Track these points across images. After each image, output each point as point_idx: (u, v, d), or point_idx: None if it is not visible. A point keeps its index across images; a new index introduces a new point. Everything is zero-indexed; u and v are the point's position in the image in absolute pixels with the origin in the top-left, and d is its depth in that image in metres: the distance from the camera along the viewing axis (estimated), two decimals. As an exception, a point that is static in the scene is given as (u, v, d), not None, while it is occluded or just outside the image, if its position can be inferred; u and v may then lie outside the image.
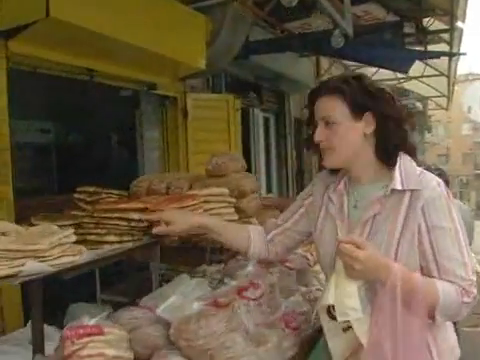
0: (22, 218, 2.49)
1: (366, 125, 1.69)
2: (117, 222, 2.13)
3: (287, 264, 2.43)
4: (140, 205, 2.20)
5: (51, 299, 3.27)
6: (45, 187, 7.44)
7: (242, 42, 5.48)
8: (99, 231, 2.11)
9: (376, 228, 1.67)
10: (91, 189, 2.62)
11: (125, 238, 2.13)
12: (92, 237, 2.11)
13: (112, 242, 2.10)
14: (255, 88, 7.61)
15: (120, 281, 3.28)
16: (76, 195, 2.65)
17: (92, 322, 1.70)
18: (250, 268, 2.17)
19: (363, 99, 1.68)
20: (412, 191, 1.63)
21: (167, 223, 1.97)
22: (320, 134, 1.73)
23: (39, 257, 1.75)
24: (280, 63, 7.03)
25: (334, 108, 1.70)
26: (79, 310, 2.62)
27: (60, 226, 2.23)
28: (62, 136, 8.08)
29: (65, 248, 1.85)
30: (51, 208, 2.64)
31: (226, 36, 5.10)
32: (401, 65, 6.87)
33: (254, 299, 1.98)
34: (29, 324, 1.99)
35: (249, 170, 7.71)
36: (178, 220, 1.97)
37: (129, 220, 2.14)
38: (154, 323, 1.91)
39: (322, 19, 6.11)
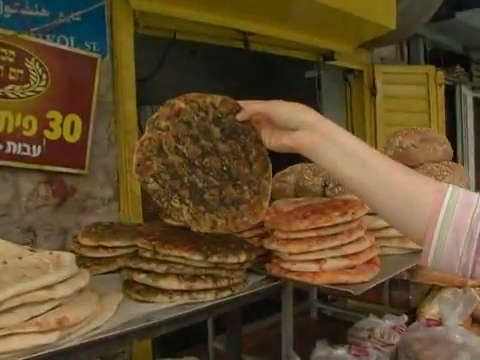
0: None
1: None
2: (185, 254, 1.04)
3: None
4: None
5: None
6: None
7: (445, -7, 3.99)
8: (153, 267, 1.06)
9: None
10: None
11: (199, 285, 1.04)
12: (141, 277, 1.06)
13: (171, 293, 1.03)
14: (462, 60, 5.93)
15: (262, 316, 2.19)
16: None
17: None
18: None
19: None
20: None
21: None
22: None
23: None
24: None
25: None
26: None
27: (110, 248, 1.26)
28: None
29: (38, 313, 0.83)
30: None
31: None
32: None
33: None
34: None
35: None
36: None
37: (204, 253, 1.05)
38: None
39: None
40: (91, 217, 2.51)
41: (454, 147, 6.16)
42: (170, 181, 0.96)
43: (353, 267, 1.14)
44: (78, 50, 2.40)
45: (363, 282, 1.12)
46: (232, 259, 1.06)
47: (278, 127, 0.94)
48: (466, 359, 1.27)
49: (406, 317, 1.76)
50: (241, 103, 1.00)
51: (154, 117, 0.99)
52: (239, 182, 0.99)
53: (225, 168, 0.99)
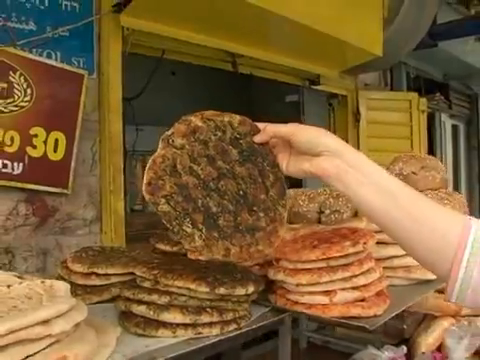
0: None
1: None
2: (191, 285, 0.97)
3: None
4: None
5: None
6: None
7: (430, 22, 4.05)
8: (155, 298, 0.98)
9: None
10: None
11: (205, 318, 0.97)
12: (141, 309, 0.99)
13: (174, 327, 0.95)
14: (441, 88, 6.02)
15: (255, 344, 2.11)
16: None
17: None
18: None
19: None
20: None
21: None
22: None
23: None
24: (474, 54, 5.38)
25: None
26: None
27: (104, 276, 1.18)
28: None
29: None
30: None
31: (409, 13, 3.74)
32: None
33: None
34: None
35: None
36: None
37: (211, 284, 0.98)
38: None
39: None
40: (72, 238, 2.42)
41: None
42: (183, 203, 0.89)
43: (363, 299, 1.08)
44: (64, 66, 2.31)
45: (376, 315, 1.06)
46: (240, 291, 0.99)
47: (296, 152, 0.89)
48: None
49: (405, 348, 1.71)
50: (260, 125, 0.95)
51: (169, 134, 0.92)
52: (255, 208, 0.93)
53: (241, 192, 0.93)
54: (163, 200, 0.88)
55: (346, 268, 1.07)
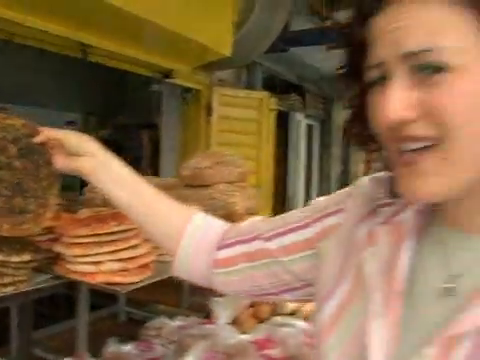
0: None
1: None
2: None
3: (267, 351, 1.44)
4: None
5: None
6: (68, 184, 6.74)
7: (280, 28, 4.48)
8: None
9: None
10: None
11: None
12: None
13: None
14: (298, 90, 6.58)
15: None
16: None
17: None
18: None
19: None
20: None
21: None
22: (402, 101, 0.58)
23: None
24: (326, 62, 5.97)
25: (446, 28, 0.56)
26: None
27: None
28: (90, 130, 7.32)
29: None
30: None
31: (260, 17, 4.13)
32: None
33: None
34: None
35: (285, 185, 6.76)
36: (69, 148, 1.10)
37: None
38: None
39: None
40: None
41: (286, 167, 6.70)
42: None
43: (127, 270, 1.38)
44: None
45: (132, 283, 1.37)
46: (15, 258, 1.24)
47: (68, 153, 1.11)
48: (205, 344, 1.58)
49: (196, 319, 2.05)
50: (40, 129, 1.19)
51: None
52: (27, 195, 1.19)
53: (17, 181, 1.18)
54: None
55: (112, 243, 1.36)
